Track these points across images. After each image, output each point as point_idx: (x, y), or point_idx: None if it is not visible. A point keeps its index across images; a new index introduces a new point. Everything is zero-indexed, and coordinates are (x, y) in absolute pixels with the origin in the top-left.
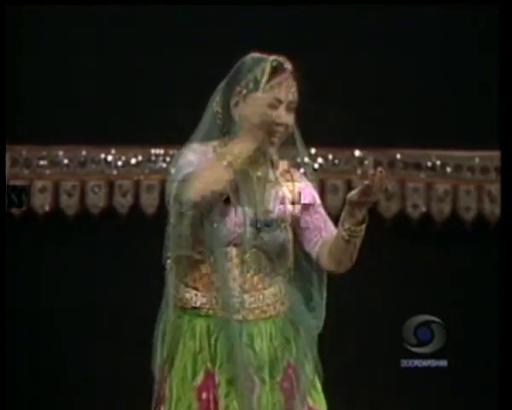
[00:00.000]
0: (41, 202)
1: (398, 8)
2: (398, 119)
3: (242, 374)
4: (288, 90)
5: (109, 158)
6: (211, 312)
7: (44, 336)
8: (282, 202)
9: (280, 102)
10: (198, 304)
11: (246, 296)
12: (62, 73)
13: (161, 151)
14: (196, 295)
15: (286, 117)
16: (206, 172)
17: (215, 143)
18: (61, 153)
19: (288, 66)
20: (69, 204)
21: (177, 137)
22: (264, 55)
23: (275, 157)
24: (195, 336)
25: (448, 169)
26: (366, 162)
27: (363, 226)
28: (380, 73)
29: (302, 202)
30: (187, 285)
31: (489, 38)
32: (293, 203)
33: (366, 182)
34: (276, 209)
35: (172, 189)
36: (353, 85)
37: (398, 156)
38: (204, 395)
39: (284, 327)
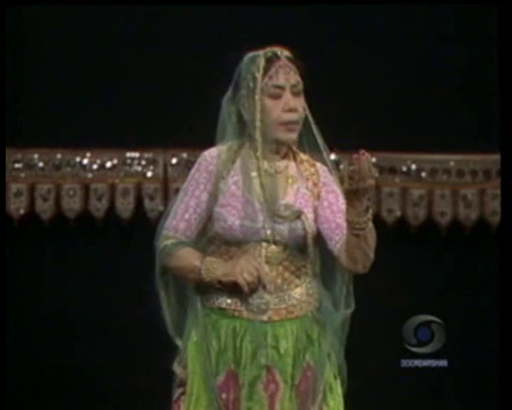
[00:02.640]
0: (16, 206)
1: (388, 7)
2: (373, 122)
3: (265, 376)
4: (286, 74)
5: (84, 161)
6: (236, 313)
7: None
8: (304, 197)
9: (281, 88)
10: (224, 305)
11: (271, 297)
12: (38, 76)
13: (136, 154)
14: (222, 296)
15: (294, 101)
16: (182, 268)
17: (236, 142)
18: (36, 156)
19: (284, 53)
20: (44, 208)
21: (153, 140)
22: (259, 51)
23: (295, 150)
24: (220, 336)
25: (423, 174)
26: (341, 166)
27: (367, 217)
28: (355, 75)
29: (325, 198)
30: (213, 286)
31: (483, 37)
32: (316, 199)
33: (352, 167)
34: (297, 204)
35: (161, 241)
36: (327, 88)
37: (374, 160)
38: (224, 396)
39: (310, 328)
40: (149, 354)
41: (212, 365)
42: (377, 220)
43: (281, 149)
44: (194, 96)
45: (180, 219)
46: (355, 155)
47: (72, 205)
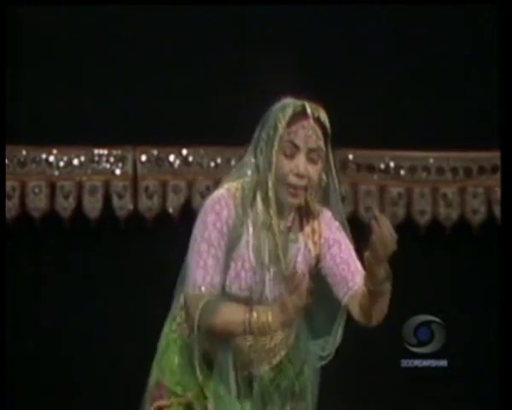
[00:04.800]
0: None
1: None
2: (351, 117)
3: None
4: (307, 136)
5: (51, 158)
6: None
7: None
8: (304, 259)
9: (297, 148)
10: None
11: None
12: (1, 71)
13: (105, 151)
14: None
15: (305, 168)
16: (229, 323)
17: (247, 185)
18: None
19: (314, 112)
20: (8, 206)
21: (121, 137)
22: (293, 100)
23: (314, 207)
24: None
25: (402, 171)
26: (341, 197)
27: (388, 284)
28: (333, 68)
29: (326, 252)
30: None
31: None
32: (316, 258)
33: (373, 236)
34: (297, 268)
35: (190, 302)
36: (303, 81)
37: (351, 157)
38: None
39: (287, 367)
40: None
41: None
42: (354, 219)
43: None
44: (165, 92)
45: (214, 274)
46: (373, 221)
47: (38, 203)
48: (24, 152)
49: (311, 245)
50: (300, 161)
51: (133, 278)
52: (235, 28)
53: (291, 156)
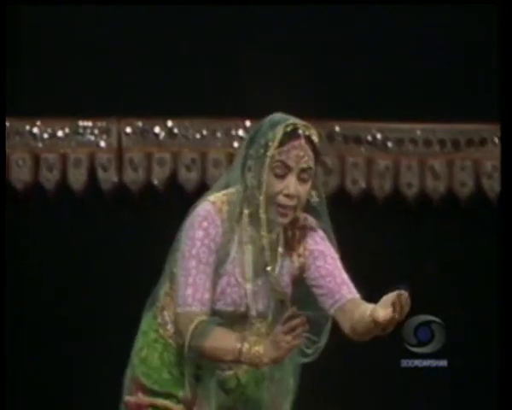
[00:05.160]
0: None
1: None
2: (338, 89)
3: None
4: (298, 156)
5: (34, 130)
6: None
7: None
8: (288, 274)
9: (288, 168)
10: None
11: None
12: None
13: (89, 123)
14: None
15: (295, 188)
16: (219, 350)
17: (232, 190)
18: None
19: (306, 132)
20: None
21: (106, 108)
22: (285, 117)
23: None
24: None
25: (389, 144)
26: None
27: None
28: (320, 40)
29: (312, 263)
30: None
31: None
32: (300, 269)
33: (391, 314)
34: (281, 282)
35: (181, 323)
36: (290, 54)
37: (337, 129)
38: None
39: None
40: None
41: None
42: (341, 192)
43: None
44: (150, 62)
45: (203, 291)
46: (395, 298)
47: (21, 175)
48: (7, 124)
49: (295, 257)
50: (291, 181)
51: (119, 251)
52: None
53: (282, 177)
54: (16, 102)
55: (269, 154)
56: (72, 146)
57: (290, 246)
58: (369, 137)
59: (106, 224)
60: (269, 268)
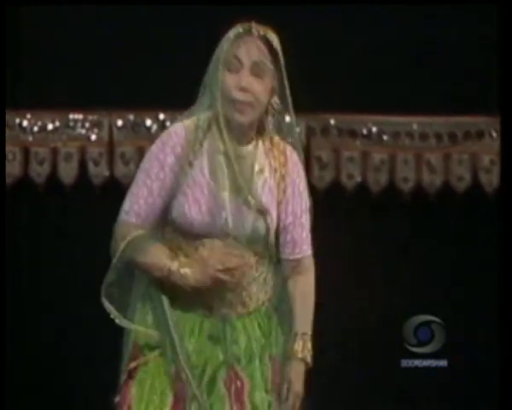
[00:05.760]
0: None
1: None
2: (332, 81)
3: (226, 373)
4: (250, 50)
5: (24, 123)
6: (197, 310)
7: None
8: (270, 192)
9: (240, 62)
10: (184, 302)
11: (228, 293)
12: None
13: (80, 116)
14: (183, 294)
15: (248, 81)
16: (151, 266)
17: (202, 116)
18: None
19: (260, 31)
20: None
21: (97, 101)
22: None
23: (270, 135)
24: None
25: (385, 137)
26: (297, 129)
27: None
28: (314, 28)
29: (290, 202)
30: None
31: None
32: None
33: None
34: (263, 199)
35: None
36: (285, 44)
37: (332, 122)
38: (179, 385)
39: (263, 320)
40: None
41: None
42: (336, 186)
43: (246, 131)
44: (141, 55)
45: (143, 204)
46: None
47: (11, 169)
48: None
49: (278, 178)
50: (244, 74)
51: (109, 246)
52: None
53: (235, 71)
54: (4, 95)
55: (223, 49)
56: (63, 140)
57: (273, 167)
58: (365, 131)
59: (97, 218)
60: (240, 180)
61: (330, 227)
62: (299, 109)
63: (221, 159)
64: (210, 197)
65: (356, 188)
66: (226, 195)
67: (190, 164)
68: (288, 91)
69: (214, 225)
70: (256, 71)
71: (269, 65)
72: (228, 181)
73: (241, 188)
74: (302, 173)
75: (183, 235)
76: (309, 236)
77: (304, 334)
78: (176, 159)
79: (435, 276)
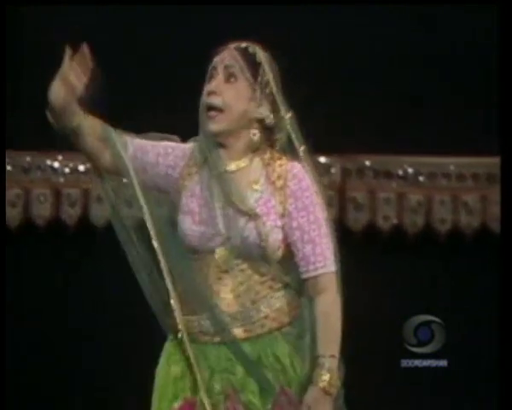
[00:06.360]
0: None
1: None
2: (368, 122)
3: (224, 403)
4: (224, 57)
5: (55, 165)
6: (192, 337)
7: None
8: (266, 205)
9: (216, 71)
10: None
11: (225, 316)
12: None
13: None
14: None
15: (218, 85)
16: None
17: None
18: None
19: (240, 44)
20: (12, 214)
21: None
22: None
23: (270, 155)
24: (178, 361)
25: (421, 178)
26: (333, 170)
27: None
28: (347, 72)
29: (295, 217)
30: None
31: (487, 38)
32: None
33: None
34: (257, 210)
35: None
36: (317, 85)
37: (368, 163)
38: None
39: (278, 348)
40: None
41: (170, 391)
42: (372, 228)
43: (231, 143)
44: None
45: (144, 141)
46: None
47: (42, 211)
48: (28, 158)
49: (277, 192)
50: (216, 80)
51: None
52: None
53: (210, 78)
54: (36, 136)
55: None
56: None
57: (272, 181)
58: (401, 172)
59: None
60: (231, 194)
61: (365, 269)
62: (334, 151)
63: (215, 173)
64: (204, 209)
65: (392, 229)
66: (220, 206)
67: (189, 175)
68: (282, 107)
69: (207, 236)
70: (226, 75)
71: (244, 71)
72: (220, 194)
73: (232, 201)
74: (307, 187)
75: (189, 252)
76: (326, 251)
77: (323, 356)
78: (179, 160)
79: (435, 276)
